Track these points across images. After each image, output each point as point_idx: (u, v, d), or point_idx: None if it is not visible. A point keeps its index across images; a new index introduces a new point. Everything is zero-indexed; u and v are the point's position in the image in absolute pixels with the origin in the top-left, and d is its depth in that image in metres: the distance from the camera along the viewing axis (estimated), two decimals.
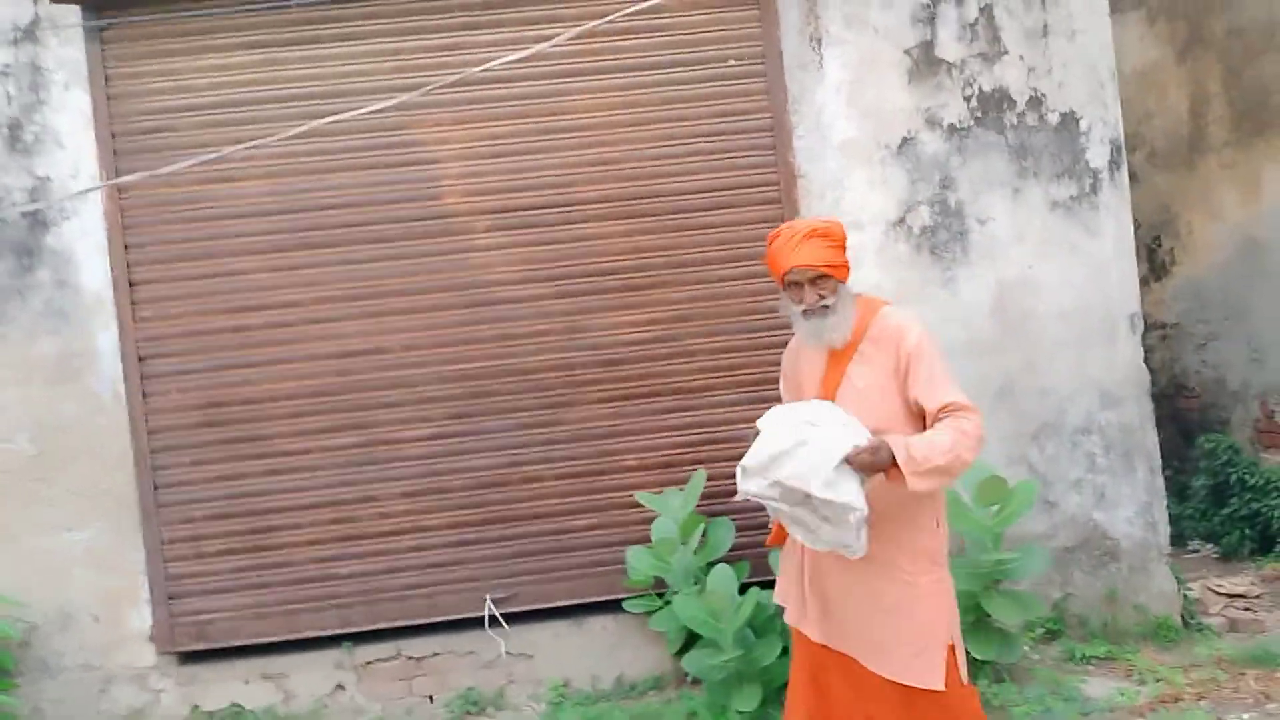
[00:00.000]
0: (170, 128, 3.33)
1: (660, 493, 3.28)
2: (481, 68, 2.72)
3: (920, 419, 2.06)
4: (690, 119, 3.40)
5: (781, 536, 2.18)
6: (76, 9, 3.29)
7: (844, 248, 2.12)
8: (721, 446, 3.38)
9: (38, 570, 3.32)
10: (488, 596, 3.38)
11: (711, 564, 3.18)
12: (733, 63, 3.40)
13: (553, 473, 3.40)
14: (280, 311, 3.34)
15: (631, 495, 3.37)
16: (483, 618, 3.37)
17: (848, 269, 2.12)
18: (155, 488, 3.34)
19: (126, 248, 3.32)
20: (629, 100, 3.39)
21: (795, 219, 2.16)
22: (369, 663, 3.37)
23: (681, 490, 3.24)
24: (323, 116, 3.22)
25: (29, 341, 3.33)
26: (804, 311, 2.07)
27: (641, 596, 3.32)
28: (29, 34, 3.31)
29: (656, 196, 3.41)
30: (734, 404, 3.41)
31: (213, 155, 2.75)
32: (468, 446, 3.39)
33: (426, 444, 3.37)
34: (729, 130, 3.41)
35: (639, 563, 3.10)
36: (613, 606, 3.38)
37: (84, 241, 3.33)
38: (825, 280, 2.05)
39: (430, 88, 2.76)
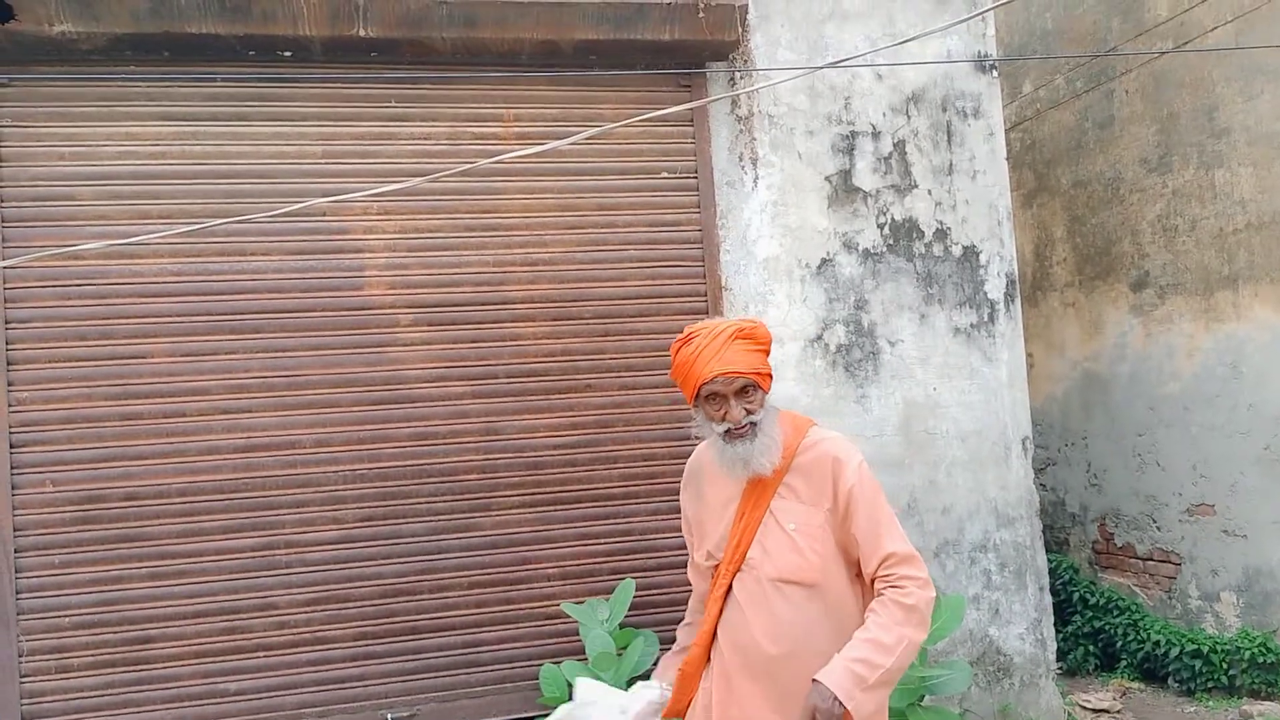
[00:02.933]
0: (67, 195, 3.53)
1: (583, 603, 3.69)
2: (440, 174, 3.16)
3: (854, 562, 2.12)
4: (622, 225, 3.95)
5: (680, 706, 2.25)
6: None
7: (769, 352, 2.14)
8: (643, 556, 3.85)
9: None
10: (387, 715, 3.64)
11: (632, 679, 3.61)
12: (666, 175, 4.00)
13: (466, 580, 3.74)
14: (179, 400, 3.55)
15: (548, 605, 3.76)
16: None
17: (771, 378, 2.15)
18: (16, 592, 3.41)
19: (6, 323, 3.45)
20: (563, 203, 3.90)
21: (709, 320, 2.18)
22: None
23: (607, 600, 3.67)
24: (240, 196, 3.57)
25: None
26: (727, 433, 2.08)
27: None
28: None
29: (584, 300, 3.91)
30: (655, 512, 3.89)
31: (156, 235, 3.02)
32: (377, 551, 3.68)
33: (333, 548, 3.64)
34: (659, 240, 3.98)
35: (572, 677, 3.47)
36: None
37: None
38: (752, 392, 2.08)
39: (432, 175, 3.16)
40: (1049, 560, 5.35)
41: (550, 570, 3.80)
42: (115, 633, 3.48)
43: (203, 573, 3.54)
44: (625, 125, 3.22)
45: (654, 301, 3.96)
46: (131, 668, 3.48)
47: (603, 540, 3.85)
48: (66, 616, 3.44)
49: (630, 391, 3.91)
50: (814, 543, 2.09)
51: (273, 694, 3.56)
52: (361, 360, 3.71)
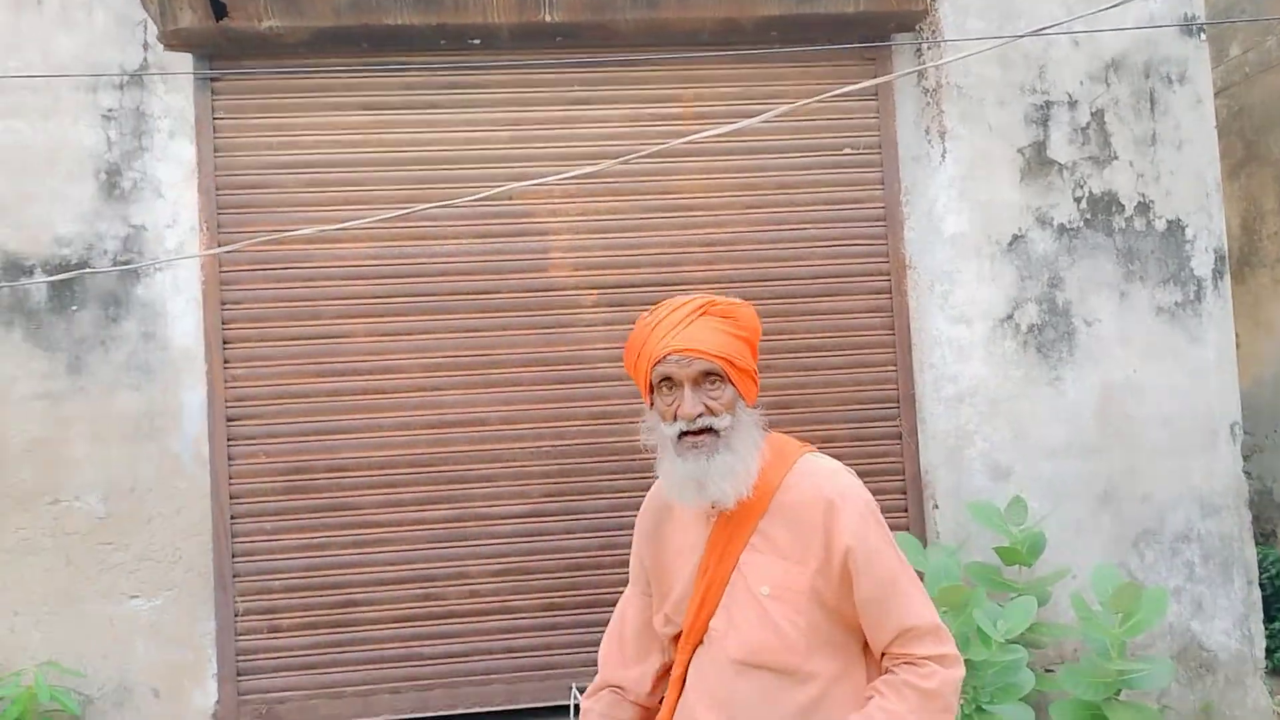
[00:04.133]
0: (275, 184, 3.85)
1: None
2: (630, 157, 3.30)
3: (855, 638, 1.72)
4: (802, 204, 4.01)
5: None
6: (189, 57, 3.81)
7: (755, 347, 1.73)
8: None
9: (99, 639, 3.72)
10: (573, 685, 3.85)
11: None
12: (848, 151, 4.03)
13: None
14: (379, 377, 3.84)
15: None
16: (567, 707, 3.83)
17: (756, 383, 1.73)
18: (233, 556, 3.78)
19: (223, 303, 3.80)
20: (741, 183, 3.99)
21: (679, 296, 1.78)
22: None
23: None
24: (432, 182, 3.80)
25: (108, 396, 3.78)
26: (681, 436, 1.65)
27: None
28: (136, 79, 3.83)
29: (763, 280, 3.99)
30: None
31: (362, 221, 3.27)
32: (561, 525, 3.89)
33: (520, 521, 3.86)
34: (841, 218, 4.02)
35: None
36: None
37: (176, 294, 3.80)
38: (719, 385, 1.66)
39: (623, 157, 3.33)
40: (1256, 553, 5.16)
41: None
42: (321, 596, 3.80)
43: (400, 541, 3.81)
44: (810, 103, 3.28)
45: (835, 281, 4.00)
46: (336, 629, 3.79)
47: None
48: (277, 580, 3.78)
49: (811, 373, 3.98)
50: (793, 614, 1.65)
51: (465, 659, 3.81)
52: (545, 340, 3.90)
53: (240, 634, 3.77)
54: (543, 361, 3.90)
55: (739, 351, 1.69)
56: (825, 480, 1.72)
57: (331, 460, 3.81)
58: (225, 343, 3.80)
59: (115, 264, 3.77)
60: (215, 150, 3.82)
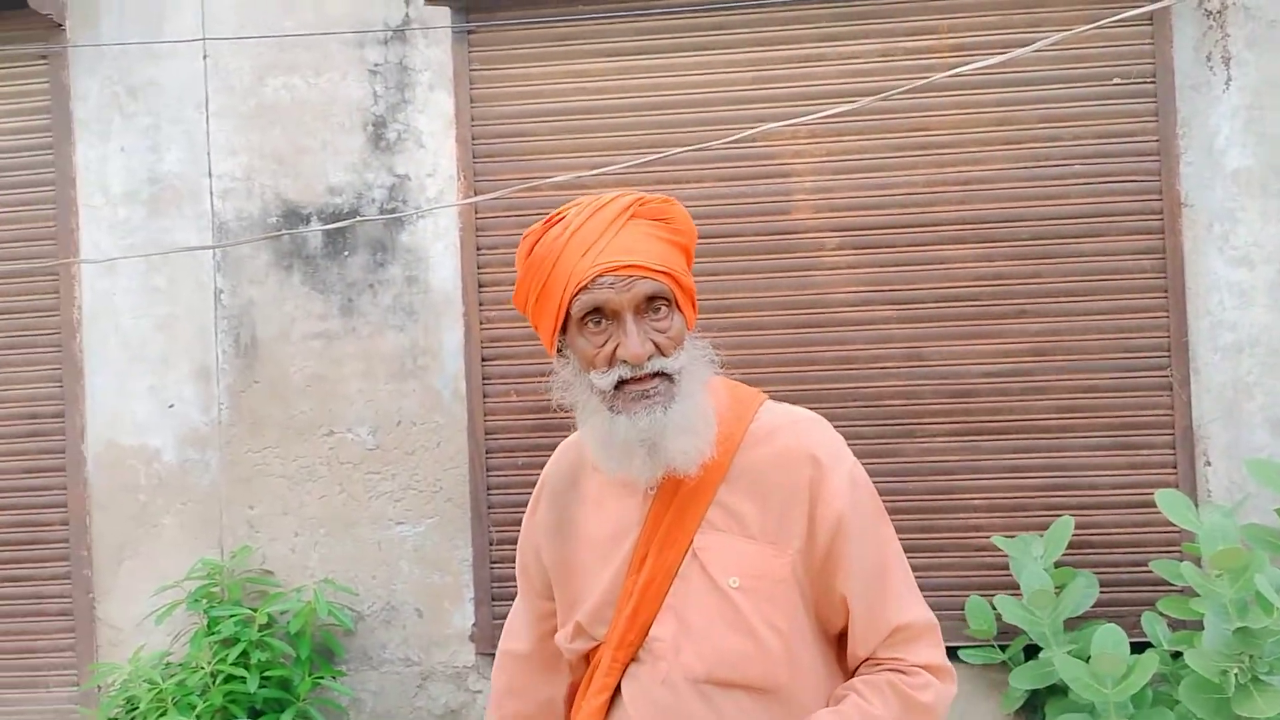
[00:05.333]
0: (527, 132, 4.06)
1: (1014, 537, 3.75)
2: (893, 93, 3.28)
3: (832, 646, 1.43)
4: (1066, 139, 3.85)
5: None
6: (447, 10, 4.06)
7: (691, 256, 1.43)
8: (1079, 494, 3.81)
9: (368, 561, 4.12)
10: None
11: (1068, 621, 3.63)
12: (1118, 81, 3.84)
13: (889, 505, 3.90)
14: None
15: (973, 537, 3.85)
16: None
17: (695, 306, 1.43)
18: (487, 489, 4.07)
19: (478, 248, 4.07)
20: (998, 118, 3.87)
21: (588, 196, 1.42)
22: None
23: (1040, 536, 3.70)
24: (675, 126, 3.90)
25: (376, 336, 4.13)
26: (621, 386, 1.31)
27: (980, 647, 3.80)
28: (399, 34, 4.12)
29: (1021, 220, 3.88)
30: (1095, 448, 3.83)
31: (613, 168, 3.42)
32: None
33: None
34: (1107, 153, 3.83)
35: (1005, 611, 3.57)
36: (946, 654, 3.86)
37: (437, 240, 4.10)
38: (665, 312, 1.33)
39: (883, 95, 3.34)
40: None
41: (977, 501, 3.87)
42: None
43: None
44: (1087, 30, 3.14)
45: (1100, 221, 3.84)
46: None
47: (1035, 474, 3.85)
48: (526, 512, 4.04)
49: (1070, 319, 3.84)
50: (774, 610, 1.33)
51: None
52: (787, 284, 3.95)
53: (494, 562, 4.06)
54: (784, 305, 3.95)
55: (681, 266, 1.37)
56: (804, 432, 1.39)
57: None
58: (480, 286, 4.06)
59: (382, 212, 4.09)
60: (471, 101, 4.06)
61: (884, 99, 3.50)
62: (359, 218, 4.03)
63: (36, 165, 4.15)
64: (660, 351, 1.32)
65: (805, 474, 1.36)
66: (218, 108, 4.11)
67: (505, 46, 4.06)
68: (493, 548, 4.05)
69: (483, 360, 4.06)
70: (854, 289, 3.93)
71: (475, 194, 4.02)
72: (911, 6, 3.89)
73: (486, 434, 4.06)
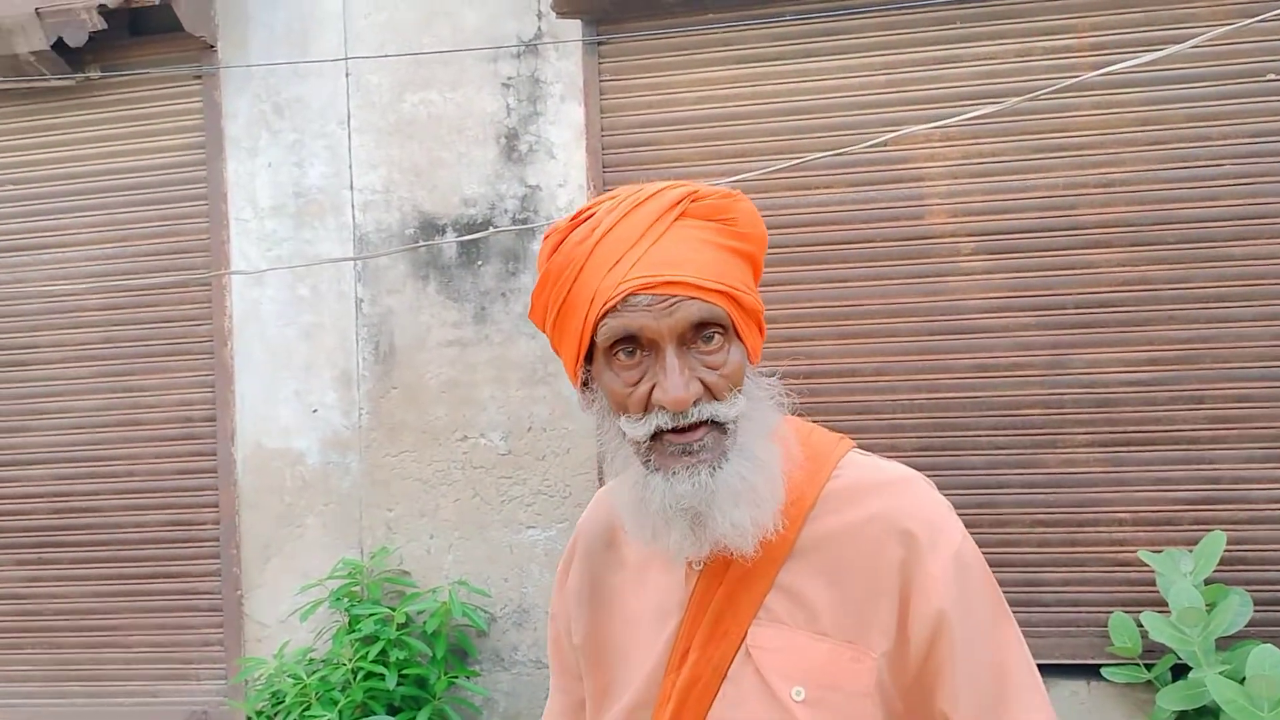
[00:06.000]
0: (656, 141, 4.14)
1: (1160, 551, 3.66)
2: (1041, 93, 3.25)
3: None
4: (1215, 138, 3.74)
5: None
6: (578, 23, 4.18)
7: (759, 268, 1.15)
8: (1231, 508, 3.69)
9: (500, 564, 4.24)
10: None
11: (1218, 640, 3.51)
12: (1272, 77, 3.72)
13: (1028, 518, 3.87)
14: None
15: (1118, 552, 3.76)
16: None
17: (763, 331, 1.15)
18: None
19: None
20: (1143, 117, 3.78)
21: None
22: None
23: (1189, 551, 3.60)
24: (806, 132, 3.92)
25: (508, 343, 4.26)
26: (657, 437, 1.04)
27: (1124, 665, 3.71)
28: (531, 48, 4.25)
29: (1167, 223, 3.77)
30: (1247, 460, 3.70)
31: (743, 176, 3.48)
32: (937, 481, 3.92)
33: None
34: (1261, 152, 3.69)
35: (1152, 628, 3.49)
36: (1086, 671, 3.79)
37: None
38: (719, 342, 1.05)
39: (1030, 95, 3.33)
40: None
41: (1122, 514, 3.78)
42: None
43: None
44: (1250, 23, 3.06)
45: (1252, 224, 3.71)
46: None
47: (1183, 486, 3.75)
48: None
49: (1221, 325, 3.73)
50: (844, 711, 1.06)
51: None
52: (920, 290, 3.93)
53: None
54: (917, 312, 3.93)
55: (745, 281, 1.08)
56: (897, 496, 1.13)
57: None
58: None
59: (514, 222, 4.23)
60: (601, 111, 4.16)
61: (1031, 99, 3.47)
62: (492, 229, 4.17)
63: (191, 181, 4.42)
64: (711, 393, 1.03)
65: (896, 553, 1.07)
66: (359, 123, 4.31)
67: (635, 57, 4.16)
68: None
69: None
70: (991, 295, 3.89)
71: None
72: (1049, 5, 3.84)
73: None
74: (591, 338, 1.05)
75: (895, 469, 1.21)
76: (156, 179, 4.42)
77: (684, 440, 1.04)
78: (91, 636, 4.40)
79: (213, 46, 4.37)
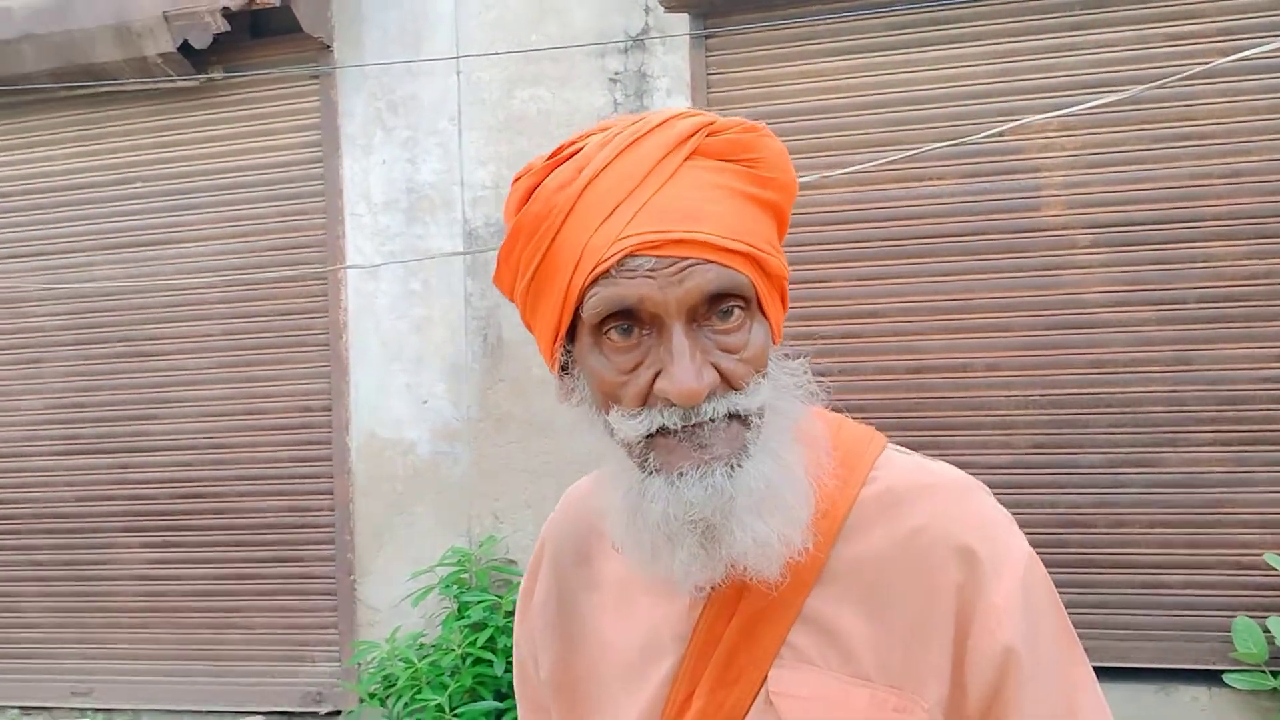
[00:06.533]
0: None
1: None
2: (1174, 79, 3.19)
3: None
4: None
5: None
6: (685, 17, 4.22)
7: (786, 220, 0.93)
8: None
9: None
10: None
11: None
12: None
13: (1147, 519, 3.78)
14: (858, 322, 4.04)
15: (1242, 554, 3.66)
16: None
17: (786, 302, 0.93)
18: None
19: None
20: (1272, 104, 3.67)
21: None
22: None
23: None
24: (916, 123, 3.90)
25: None
26: (658, 434, 0.84)
27: (1248, 672, 3.61)
28: (638, 43, 4.31)
29: None
30: None
31: (854, 168, 3.48)
32: (1049, 479, 3.87)
33: (1004, 472, 3.90)
34: None
35: (1278, 632, 3.39)
36: (1207, 677, 3.70)
37: None
38: (739, 317, 0.85)
39: (1158, 82, 3.27)
40: None
41: (1247, 516, 3.68)
42: None
43: None
44: None
45: None
46: None
47: None
48: None
49: None
50: None
51: None
52: (1035, 284, 3.88)
53: None
54: (1031, 306, 3.88)
55: (770, 240, 0.88)
56: (949, 504, 0.92)
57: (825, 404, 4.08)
58: None
59: None
60: (708, 105, 4.19)
61: (1159, 87, 3.40)
62: None
63: (308, 178, 4.59)
64: (728, 381, 0.83)
65: (952, 576, 0.88)
66: (469, 120, 4.42)
67: (742, 50, 4.18)
68: None
69: None
70: (1109, 289, 3.81)
71: None
72: None
73: None
74: (576, 310, 0.84)
75: (945, 470, 0.97)
76: (275, 176, 4.60)
77: (694, 438, 0.83)
78: (213, 617, 4.61)
79: (329, 47, 4.53)
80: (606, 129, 0.86)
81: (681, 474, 0.82)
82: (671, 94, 4.24)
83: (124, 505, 4.69)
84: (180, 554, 4.65)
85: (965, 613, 0.87)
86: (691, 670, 0.91)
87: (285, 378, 4.55)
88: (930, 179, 3.96)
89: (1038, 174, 3.88)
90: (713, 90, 4.19)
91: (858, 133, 4.02)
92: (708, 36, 4.20)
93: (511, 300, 0.94)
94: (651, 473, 0.84)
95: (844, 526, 0.91)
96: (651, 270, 0.81)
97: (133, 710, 4.68)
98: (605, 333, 0.84)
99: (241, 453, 4.58)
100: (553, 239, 0.84)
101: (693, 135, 0.85)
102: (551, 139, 4.30)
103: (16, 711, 4.80)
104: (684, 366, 0.80)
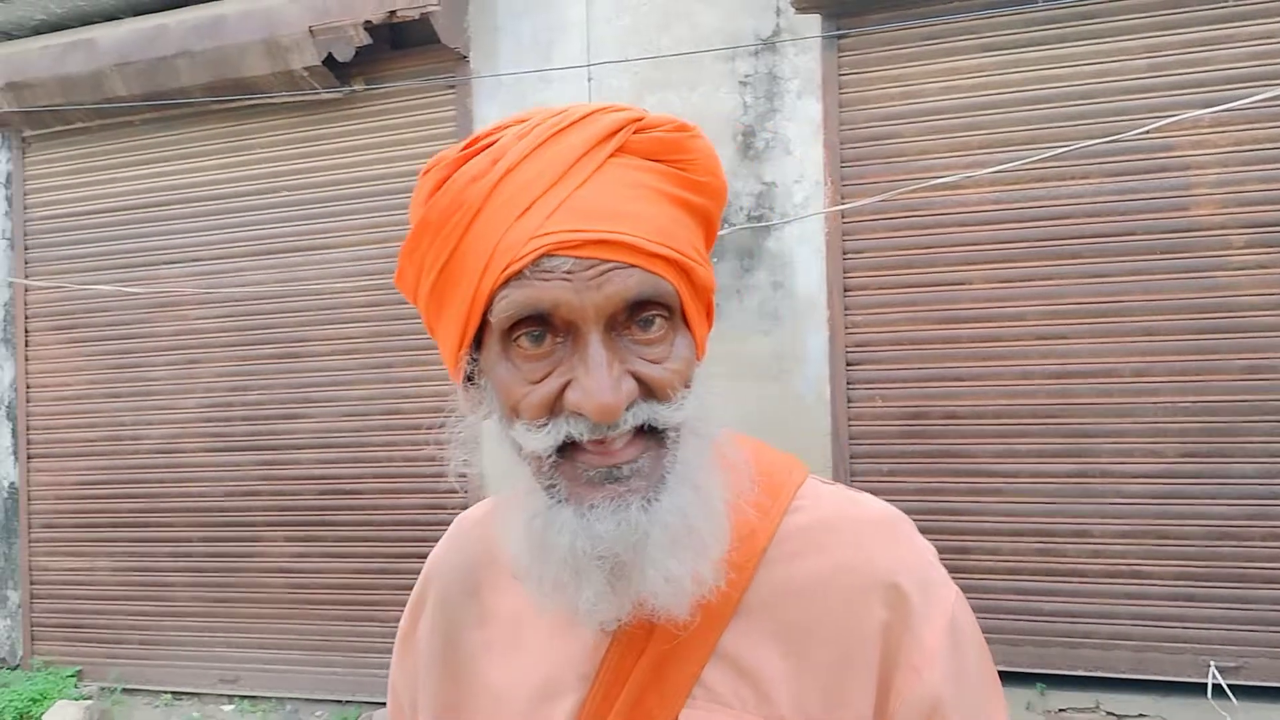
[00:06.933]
0: (897, 134, 4.13)
1: None
2: None
3: None
4: None
5: None
6: (817, 19, 4.22)
7: (715, 228, 0.88)
8: None
9: None
10: (1211, 663, 3.70)
11: None
12: None
13: None
14: (998, 325, 3.98)
15: None
16: (1204, 684, 3.71)
17: (712, 314, 0.88)
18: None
19: (844, 253, 4.19)
20: None
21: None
22: (1062, 710, 3.89)
23: None
24: (1060, 120, 3.81)
25: (742, 340, 4.35)
26: (564, 453, 0.79)
27: None
28: (769, 45, 4.33)
29: None
30: None
31: (990, 170, 3.43)
32: (1200, 489, 3.74)
33: (1153, 482, 3.78)
34: None
35: None
36: None
37: (803, 245, 4.26)
38: (662, 327, 0.80)
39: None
40: None
41: None
42: (936, 540, 3.96)
43: (1017, 493, 3.94)
44: None
45: None
46: (950, 574, 4.01)
47: None
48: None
49: None
50: None
51: (1086, 620, 3.84)
52: (1186, 286, 3.75)
53: None
54: (1182, 309, 3.75)
55: (697, 247, 0.84)
56: (877, 541, 0.88)
57: (947, 407, 4.03)
58: (846, 290, 4.18)
59: (749, 219, 4.31)
60: (840, 106, 4.19)
61: None
62: (728, 226, 4.27)
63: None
64: (649, 390, 0.78)
65: (877, 615, 0.84)
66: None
67: (876, 49, 4.16)
68: None
69: (847, 365, 4.17)
70: (1265, 291, 3.67)
71: (842, 198, 4.14)
72: None
73: (850, 439, 4.16)
74: (484, 314, 0.79)
75: (872, 504, 0.92)
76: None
77: (608, 461, 0.77)
78: (352, 610, 4.80)
79: (465, 57, 4.67)
80: (525, 120, 0.81)
81: (592, 506, 0.77)
82: (803, 95, 4.25)
83: (269, 500, 4.92)
84: (322, 548, 4.85)
85: (890, 653, 0.83)
86: (595, 712, 0.84)
87: (424, 379, 4.71)
88: (1075, 178, 3.87)
89: (1188, 172, 3.75)
90: (845, 91, 4.18)
91: (999, 131, 3.96)
92: (840, 37, 4.18)
93: (412, 303, 0.87)
94: (559, 502, 0.78)
95: (763, 558, 0.86)
96: (569, 272, 0.75)
97: (276, 698, 4.90)
98: (515, 339, 0.78)
99: (381, 451, 4.76)
100: (462, 235, 0.78)
101: (618, 131, 0.80)
102: None
103: (169, 696, 5.08)
104: (599, 379, 0.74)
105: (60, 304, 5.31)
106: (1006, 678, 3.96)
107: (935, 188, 3.96)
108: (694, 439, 0.80)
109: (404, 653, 1.01)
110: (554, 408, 0.77)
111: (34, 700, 4.94)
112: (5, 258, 5.45)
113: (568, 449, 0.77)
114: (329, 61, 4.59)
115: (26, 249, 5.40)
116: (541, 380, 0.77)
